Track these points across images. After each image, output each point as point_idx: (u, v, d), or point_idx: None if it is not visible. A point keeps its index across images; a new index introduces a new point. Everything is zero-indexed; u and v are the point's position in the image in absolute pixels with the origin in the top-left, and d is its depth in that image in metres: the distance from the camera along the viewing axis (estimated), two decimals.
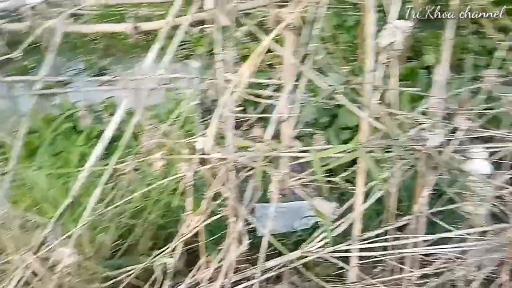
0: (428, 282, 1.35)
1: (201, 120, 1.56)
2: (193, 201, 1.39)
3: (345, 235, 1.43)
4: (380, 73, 1.40)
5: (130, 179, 1.55)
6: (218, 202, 1.36)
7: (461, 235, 1.32)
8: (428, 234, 1.38)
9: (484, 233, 1.33)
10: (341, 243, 1.42)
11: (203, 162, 1.33)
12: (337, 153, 1.26)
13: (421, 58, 3.62)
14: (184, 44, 3.65)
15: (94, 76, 3.89)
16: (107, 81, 1.45)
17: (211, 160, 1.31)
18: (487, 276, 1.33)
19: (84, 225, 1.46)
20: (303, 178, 1.32)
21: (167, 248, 1.37)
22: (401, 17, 1.45)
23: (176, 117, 1.47)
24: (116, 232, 1.79)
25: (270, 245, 1.47)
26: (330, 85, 1.37)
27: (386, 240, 1.36)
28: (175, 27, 1.47)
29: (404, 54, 1.49)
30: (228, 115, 1.34)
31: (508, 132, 1.38)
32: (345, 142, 2.13)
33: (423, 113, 1.40)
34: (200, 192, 1.40)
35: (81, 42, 4.34)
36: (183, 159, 1.33)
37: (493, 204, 1.35)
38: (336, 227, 1.38)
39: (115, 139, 1.40)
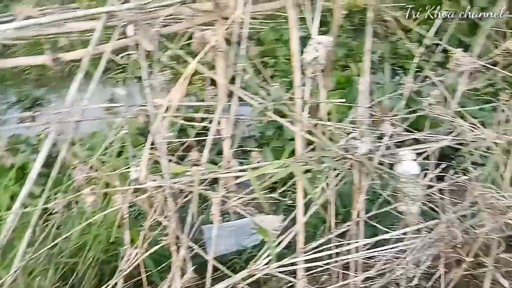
0: (372, 284, 1.39)
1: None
2: (132, 233, 1.35)
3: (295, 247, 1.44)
4: (308, 87, 1.45)
5: (65, 216, 1.47)
6: (158, 231, 1.33)
7: (398, 235, 1.38)
8: (369, 237, 1.43)
9: (418, 230, 1.40)
10: (288, 255, 1.43)
11: (139, 192, 1.29)
12: (273, 169, 1.27)
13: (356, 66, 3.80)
14: (123, 68, 3.57)
15: (27, 108, 3.70)
16: (28, 117, 1.38)
17: (147, 189, 1.27)
18: (426, 271, 1.40)
19: (16, 271, 1.36)
20: (244, 196, 1.32)
21: (108, 286, 1.31)
22: (324, 32, 1.52)
23: (107, 148, 1.42)
24: (57, 274, 1.69)
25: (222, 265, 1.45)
26: (260, 103, 1.40)
27: (329, 249, 1.39)
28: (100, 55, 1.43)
29: (330, 66, 1.55)
30: (161, 142, 1.32)
31: (430, 133, 1.47)
32: (292, 153, 2.15)
33: (352, 122, 1.46)
34: (140, 223, 1.35)
35: (11, 74, 4.10)
36: (117, 191, 1.28)
37: (423, 203, 1.43)
38: (281, 241, 1.39)
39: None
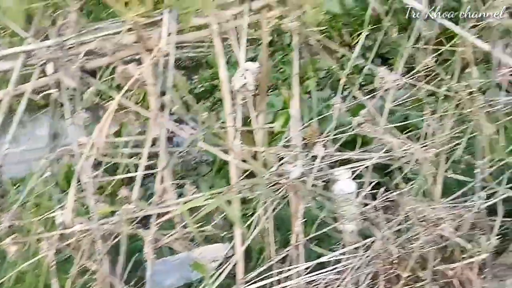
0: None
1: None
2: (63, 280, 1.28)
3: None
4: (240, 114, 1.45)
5: None
6: (89, 275, 1.27)
7: (337, 256, 1.39)
8: (314, 260, 1.42)
9: (356, 249, 1.41)
10: (233, 285, 1.40)
11: (65, 237, 1.23)
12: (204, 201, 1.25)
13: (304, 84, 3.87)
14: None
15: None
16: None
17: (74, 233, 1.22)
18: None
19: None
20: (178, 231, 1.29)
21: None
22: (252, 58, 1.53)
23: (31, 192, 1.36)
24: None
25: None
26: (191, 134, 1.38)
27: (271, 276, 1.37)
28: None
29: (264, 90, 1.56)
30: (87, 182, 1.27)
31: (362, 152, 1.50)
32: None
33: (286, 146, 1.47)
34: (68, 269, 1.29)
35: None
36: (42, 237, 1.22)
37: (361, 221, 1.44)
38: (222, 272, 1.36)
39: None
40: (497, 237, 1.47)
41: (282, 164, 1.37)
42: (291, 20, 1.44)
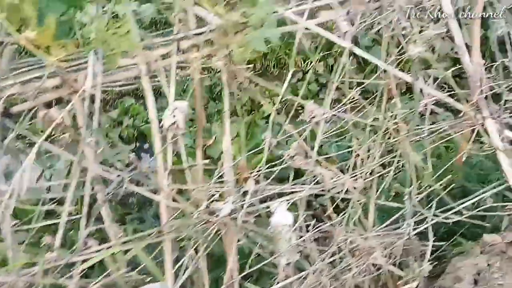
0: None
1: None
2: None
3: None
4: (170, 153, 1.45)
5: None
6: None
7: None
8: None
9: (291, 283, 1.40)
10: None
11: None
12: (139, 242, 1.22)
13: (261, 110, 3.98)
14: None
15: None
16: None
17: None
18: None
19: None
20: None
21: None
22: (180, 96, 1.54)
23: None
24: None
25: None
26: (118, 175, 1.36)
27: None
28: None
29: (202, 126, 1.57)
30: (6, 231, 1.22)
31: (294, 184, 1.52)
32: None
33: (219, 182, 1.46)
34: None
35: None
36: None
37: (298, 253, 1.44)
38: None
39: None
40: (430, 262, 1.51)
41: (212, 201, 1.36)
42: (219, 59, 1.47)
